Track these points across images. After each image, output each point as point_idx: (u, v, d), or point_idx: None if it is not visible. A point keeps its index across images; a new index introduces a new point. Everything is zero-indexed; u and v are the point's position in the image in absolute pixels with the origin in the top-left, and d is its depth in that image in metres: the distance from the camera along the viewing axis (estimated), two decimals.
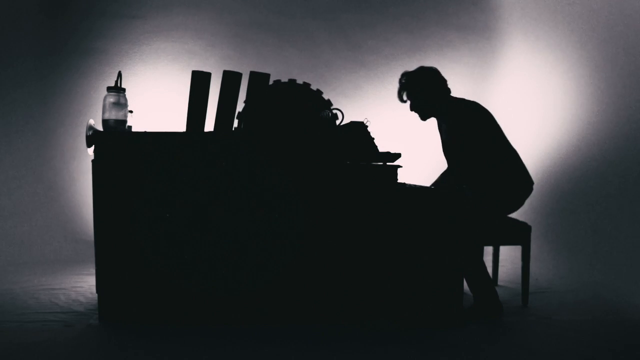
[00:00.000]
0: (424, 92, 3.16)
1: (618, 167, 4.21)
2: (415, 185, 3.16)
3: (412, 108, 3.23)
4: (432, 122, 5.24)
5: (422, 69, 3.19)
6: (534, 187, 3.25)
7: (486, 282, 2.97)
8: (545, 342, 2.61)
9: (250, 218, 2.80)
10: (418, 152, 4.86)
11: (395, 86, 5.18)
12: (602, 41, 4.53)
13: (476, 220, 3.00)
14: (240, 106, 2.97)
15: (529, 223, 3.24)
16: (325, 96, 2.97)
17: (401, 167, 2.86)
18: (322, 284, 2.82)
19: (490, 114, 3.13)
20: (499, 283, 3.70)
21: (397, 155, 2.86)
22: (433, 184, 3.40)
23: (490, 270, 3.66)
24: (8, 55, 4.69)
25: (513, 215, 3.79)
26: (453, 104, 3.15)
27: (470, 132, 3.06)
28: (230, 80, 2.85)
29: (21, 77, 4.84)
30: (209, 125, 2.86)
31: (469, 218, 2.87)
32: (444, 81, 3.19)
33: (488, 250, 3.56)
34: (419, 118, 3.26)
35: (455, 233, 2.79)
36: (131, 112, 3.00)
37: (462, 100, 3.16)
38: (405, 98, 3.22)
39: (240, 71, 2.88)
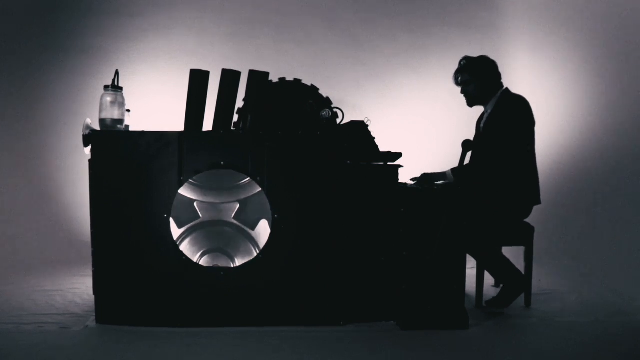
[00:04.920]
0: (481, 79, 3.20)
1: (621, 168, 4.19)
2: (427, 174, 3.14)
3: (463, 92, 3.28)
4: (434, 121, 5.23)
5: (484, 57, 3.25)
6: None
7: (507, 264, 3.10)
8: (548, 344, 2.59)
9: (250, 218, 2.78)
10: (419, 152, 4.84)
11: (395, 85, 5.18)
12: (605, 39, 4.51)
13: (478, 216, 2.99)
14: (239, 105, 2.94)
15: (532, 224, 3.22)
16: (325, 95, 2.95)
17: (402, 167, 2.85)
18: (322, 284, 2.79)
19: (532, 118, 3.16)
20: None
21: (398, 155, 2.84)
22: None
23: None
24: (3, 53, 4.67)
25: None
26: (506, 95, 3.19)
27: (509, 126, 3.08)
28: (229, 79, 2.83)
29: (17, 76, 4.82)
30: (208, 125, 2.84)
31: (470, 214, 2.86)
32: (499, 75, 3.24)
33: None
34: (465, 103, 3.30)
35: (457, 232, 2.77)
36: (128, 111, 2.99)
37: (517, 95, 3.19)
38: (459, 80, 3.26)
39: (239, 70, 2.86)
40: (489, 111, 3.25)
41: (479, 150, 3.24)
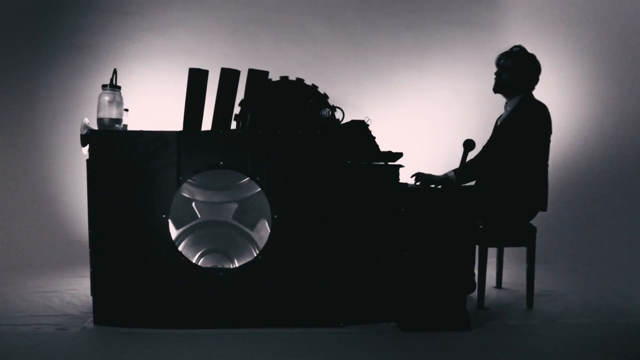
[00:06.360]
0: (519, 72, 3.19)
1: (623, 168, 4.18)
2: (430, 176, 3.12)
3: (497, 74, 3.27)
4: (435, 121, 5.20)
5: (534, 57, 3.26)
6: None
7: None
8: (550, 345, 2.56)
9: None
10: (420, 152, 4.81)
11: (396, 84, 5.15)
12: (607, 39, 4.49)
13: (481, 217, 2.97)
14: (238, 104, 2.92)
15: (534, 224, 3.19)
16: (324, 94, 2.93)
17: (403, 166, 2.83)
18: (322, 285, 2.77)
19: (550, 128, 3.16)
20: (503, 285, 3.65)
21: (399, 155, 2.82)
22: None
23: (494, 272, 3.62)
24: (0, 52, 4.66)
25: None
26: (528, 100, 3.19)
27: (525, 129, 3.08)
28: (228, 78, 2.81)
29: (15, 75, 4.80)
30: (207, 124, 2.82)
31: (473, 215, 2.84)
32: (537, 80, 3.25)
33: (492, 252, 3.52)
34: (492, 86, 3.29)
35: (458, 232, 2.74)
36: (127, 110, 2.96)
37: (539, 102, 3.19)
38: (501, 63, 3.25)
39: (239, 69, 2.84)
40: (508, 110, 3.25)
41: (491, 150, 3.23)
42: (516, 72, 3.19)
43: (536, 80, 3.24)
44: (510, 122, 3.18)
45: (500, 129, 3.26)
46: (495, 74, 3.27)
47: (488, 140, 3.39)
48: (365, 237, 2.77)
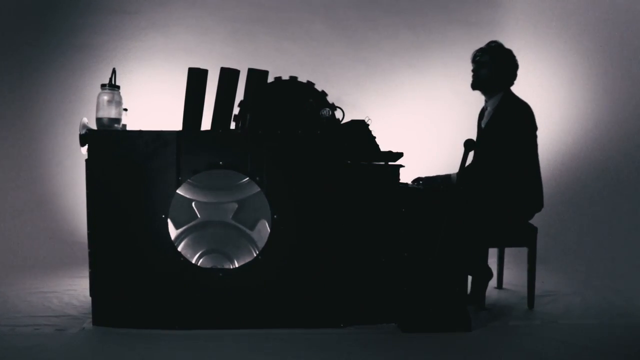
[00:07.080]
0: (498, 68, 3.14)
1: (623, 168, 4.18)
2: (428, 177, 3.12)
3: (474, 71, 3.22)
4: (435, 120, 5.19)
5: (511, 52, 3.20)
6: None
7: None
8: (551, 346, 2.55)
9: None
10: (421, 152, 4.80)
11: (396, 84, 5.14)
12: (608, 39, 4.48)
13: (480, 217, 2.96)
14: (237, 104, 2.92)
15: (535, 224, 3.18)
16: (325, 94, 2.92)
17: (403, 166, 2.82)
18: (322, 286, 2.76)
19: (535, 125, 3.14)
20: (504, 286, 3.64)
21: (399, 155, 2.81)
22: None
23: (495, 272, 3.60)
24: (0, 52, 4.65)
25: None
26: (510, 98, 3.15)
27: (509, 130, 3.05)
28: (228, 78, 2.80)
29: (14, 75, 4.79)
30: (206, 124, 2.81)
31: (472, 215, 2.83)
32: (515, 76, 3.19)
33: (493, 252, 3.51)
34: (470, 83, 3.25)
35: (459, 232, 2.74)
36: (126, 110, 2.96)
37: (521, 101, 3.15)
38: (478, 59, 3.20)
39: (238, 68, 2.83)
40: (489, 109, 3.22)
41: (481, 154, 3.21)
42: (494, 68, 3.13)
43: (514, 76, 3.18)
44: (494, 124, 3.13)
45: (486, 131, 3.20)
46: (473, 70, 3.21)
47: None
48: (366, 237, 2.76)
